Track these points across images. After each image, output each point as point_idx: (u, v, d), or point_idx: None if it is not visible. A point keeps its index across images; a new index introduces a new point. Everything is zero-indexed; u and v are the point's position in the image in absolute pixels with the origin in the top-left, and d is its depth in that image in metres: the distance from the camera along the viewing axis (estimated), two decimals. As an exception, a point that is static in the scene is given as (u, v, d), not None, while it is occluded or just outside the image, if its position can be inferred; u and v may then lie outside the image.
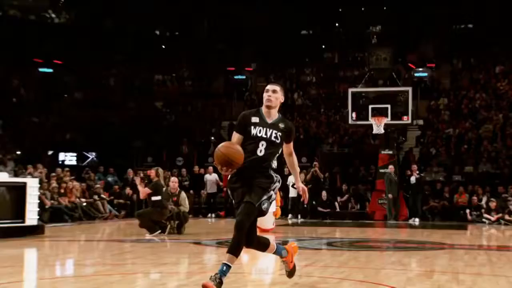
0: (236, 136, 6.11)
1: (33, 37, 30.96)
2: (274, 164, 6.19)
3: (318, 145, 25.15)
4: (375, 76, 23.71)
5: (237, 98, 31.09)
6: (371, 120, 20.79)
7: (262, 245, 6.33)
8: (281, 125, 6.12)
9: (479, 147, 23.32)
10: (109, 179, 22.23)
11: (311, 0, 33.48)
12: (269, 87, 6.21)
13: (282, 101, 6.26)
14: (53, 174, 19.52)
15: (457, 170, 22.46)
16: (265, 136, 6.04)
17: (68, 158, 26.17)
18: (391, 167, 20.17)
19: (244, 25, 32.95)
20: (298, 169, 6.46)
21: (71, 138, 27.16)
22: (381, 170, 20.75)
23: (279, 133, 6.08)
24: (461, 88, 28.32)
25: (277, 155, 6.21)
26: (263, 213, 6.05)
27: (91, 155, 26.45)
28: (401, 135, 24.61)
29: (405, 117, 21.00)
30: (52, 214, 17.29)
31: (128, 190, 20.87)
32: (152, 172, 14.23)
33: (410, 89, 21.67)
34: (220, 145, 5.98)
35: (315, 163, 21.66)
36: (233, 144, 5.99)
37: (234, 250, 5.88)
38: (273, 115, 6.18)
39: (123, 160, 24.17)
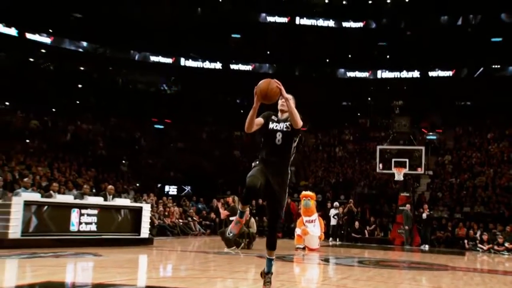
0: (259, 118, 5.70)
1: (152, 103, 32.06)
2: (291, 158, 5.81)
3: (353, 187, 24.79)
4: (397, 137, 23.40)
5: (294, 150, 31.02)
6: (394, 170, 20.50)
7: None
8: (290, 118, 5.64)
9: (475, 193, 22.62)
10: (199, 206, 22.39)
11: (349, 81, 33.56)
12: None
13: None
14: (160, 201, 19.89)
15: (458, 209, 21.79)
16: (279, 129, 5.66)
17: (171, 189, 26.56)
18: (408, 205, 19.72)
19: (300, 96, 33.11)
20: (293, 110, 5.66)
21: (174, 176, 27.59)
22: (400, 208, 20.26)
23: (288, 123, 5.67)
24: (461, 149, 27.76)
25: (294, 143, 5.77)
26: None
27: (187, 188, 26.77)
28: (415, 182, 24.06)
29: (419, 169, 20.63)
30: (158, 230, 17.52)
31: (212, 215, 20.99)
32: (230, 199, 14.30)
33: (423, 148, 21.35)
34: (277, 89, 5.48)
35: (350, 200, 21.39)
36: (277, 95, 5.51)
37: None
38: (285, 116, 5.77)
39: (210, 192, 24.30)
